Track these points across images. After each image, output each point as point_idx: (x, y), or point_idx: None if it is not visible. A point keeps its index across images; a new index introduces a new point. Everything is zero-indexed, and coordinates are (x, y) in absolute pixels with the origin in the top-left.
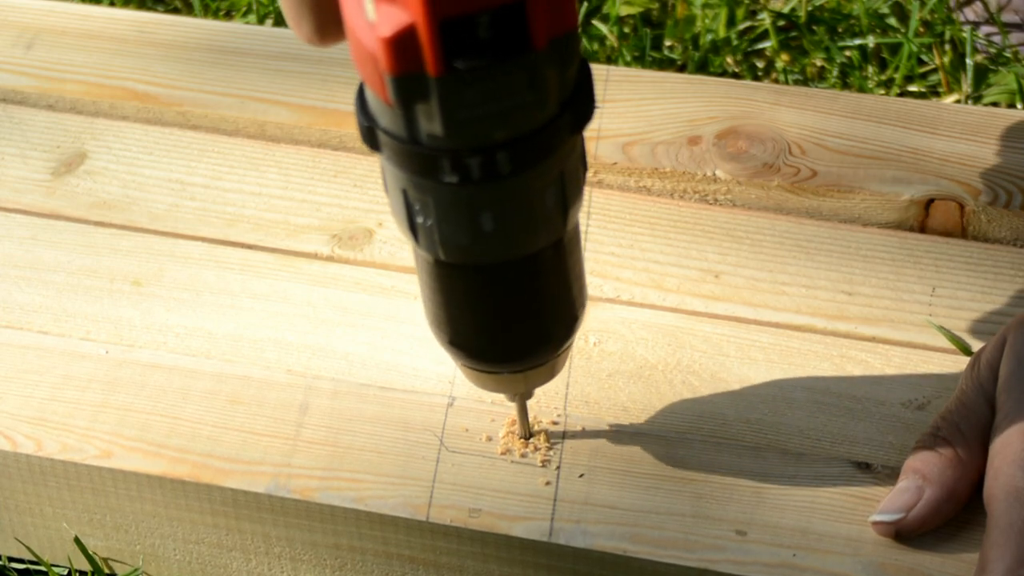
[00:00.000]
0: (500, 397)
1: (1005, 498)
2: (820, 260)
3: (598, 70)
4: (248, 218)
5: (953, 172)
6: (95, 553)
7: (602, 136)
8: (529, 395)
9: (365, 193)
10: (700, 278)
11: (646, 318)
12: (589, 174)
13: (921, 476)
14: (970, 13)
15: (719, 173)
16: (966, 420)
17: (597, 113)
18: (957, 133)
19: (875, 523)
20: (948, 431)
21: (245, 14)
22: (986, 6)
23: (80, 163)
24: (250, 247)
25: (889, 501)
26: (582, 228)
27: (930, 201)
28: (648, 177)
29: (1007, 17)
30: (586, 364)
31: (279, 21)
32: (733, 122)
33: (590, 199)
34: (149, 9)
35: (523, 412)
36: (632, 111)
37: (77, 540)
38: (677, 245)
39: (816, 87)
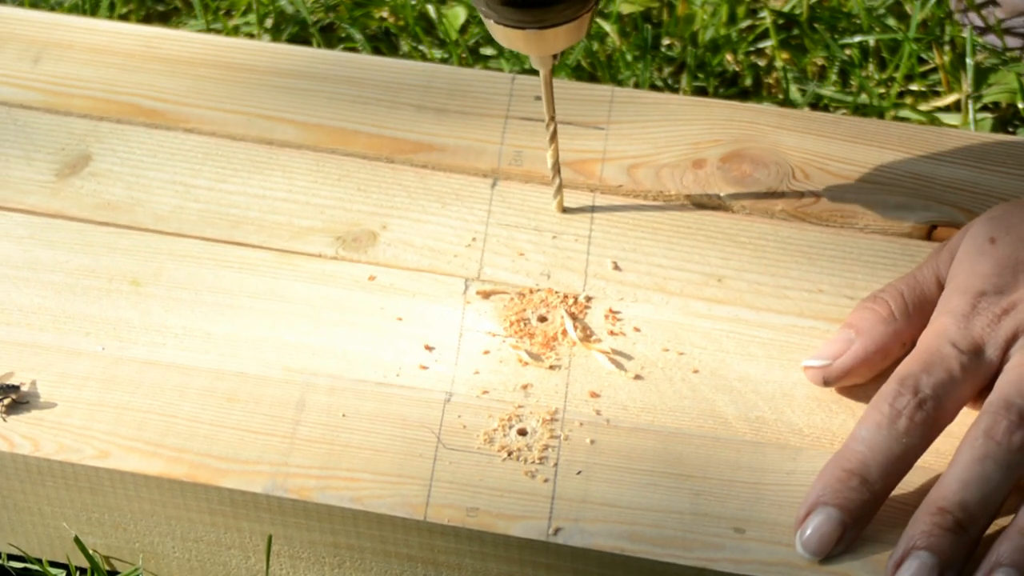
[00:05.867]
0: (497, 393)
1: (929, 330)
2: (823, 264)
3: (602, 91)
4: (252, 220)
5: (956, 199)
6: (95, 551)
7: (607, 158)
8: (555, 60)
9: (369, 196)
10: (703, 282)
11: (646, 315)
12: (593, 196)
13: (854, 329)
14: (974, 18)
15: (723, 197)
16: (909, 287)
17: (602, 134)
18: (960, 159)
19: (805, 368)
20: (889, 293)
21: (245, 13)
22: (983, 19)
23: (84, 165)
24: (254, 247)
25: (820, 349)
26: (585, 232)
27: (932, 227)
28: (653, 200)
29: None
30: (585, 362)
31: (279, 20)
32: (737, 145)
33: (593, 203)
34: (149, 9)
35: (549, 86)
36: (637, 133)
37: (77, 540)
38: (680, 249)
39: (818, 89)
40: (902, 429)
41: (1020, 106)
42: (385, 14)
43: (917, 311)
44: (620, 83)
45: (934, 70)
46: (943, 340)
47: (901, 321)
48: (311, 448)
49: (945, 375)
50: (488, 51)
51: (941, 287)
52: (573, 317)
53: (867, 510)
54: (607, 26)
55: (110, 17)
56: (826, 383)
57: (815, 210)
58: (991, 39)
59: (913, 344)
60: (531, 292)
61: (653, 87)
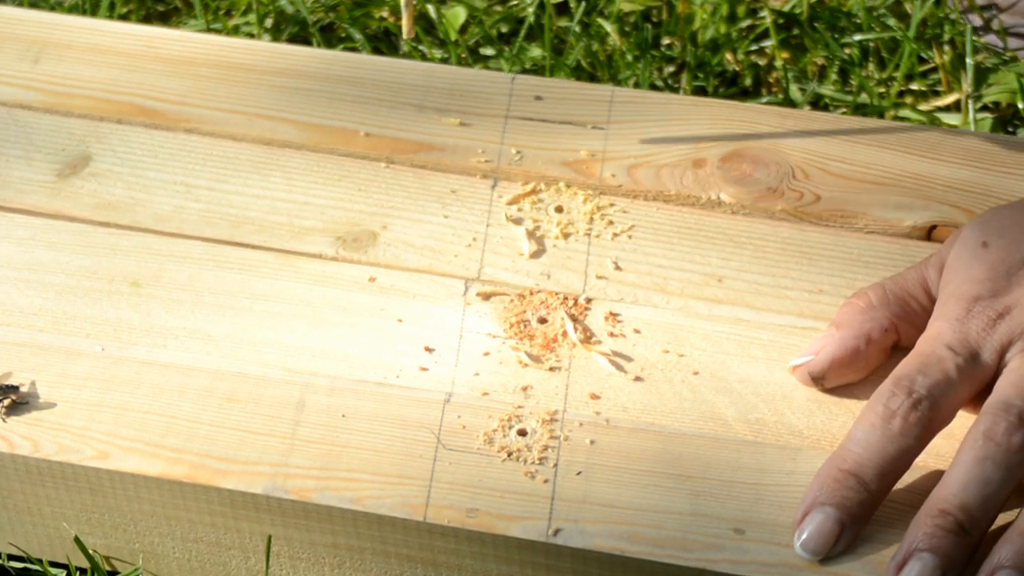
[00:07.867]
0: (497, 394)
1: (926, 335)
2: (823, 265)
3: (602, 91)
4: (252, 220)
5: (956, 198)
6: (95, 552)
7: (607, 158)
8: None
9: (369, 197)
10: (703, 282)
11: (646, 316)
12: (594, 196)
13: (835, 324)
14: (975, 19)
15: (723, 197)
16: (892, 282)
17: (602, 134)
18: (960, 159)
19: (792, 369)
20: (870, 287)
21: (245, 13)
22: (985, 20)
23: (85, 165)
24: (254, 248)
25: (804, 348)
26: (585, 232)
27: (932, 227)
28: (653, 200)
29: (1013, 19)
30: (585, 364)
31: (279, 20)
32: (737, 145)
33: (594, 203)
34: (149, 9)
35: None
36: (637, 133)
37: (77, 540)
38: (680, 249)
39: (818, 89)
40: (897, 429)
41: (1020, 106)
42: (385, 14)
43: (898, 302)
44: (620, 83)
45: (934, 70)
46: (939, 343)
47: (880, 309)
48: (311, 449)
49: (941, 376)
50: (488, 51)
51: (926, 289)
52: (573, 319)
53: (864, 509)
54: (607, 26)
55: (110, 17)
56: (814, 379)
57: (815, 210)
58: (990, 39)
59: (898, 332)
60: (531, 293)
61: (653, 87)
